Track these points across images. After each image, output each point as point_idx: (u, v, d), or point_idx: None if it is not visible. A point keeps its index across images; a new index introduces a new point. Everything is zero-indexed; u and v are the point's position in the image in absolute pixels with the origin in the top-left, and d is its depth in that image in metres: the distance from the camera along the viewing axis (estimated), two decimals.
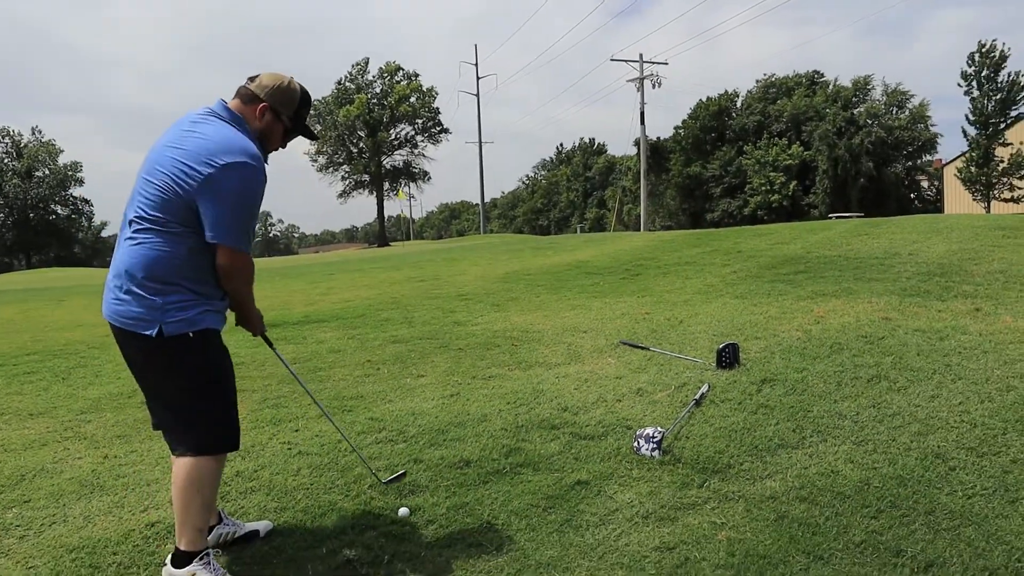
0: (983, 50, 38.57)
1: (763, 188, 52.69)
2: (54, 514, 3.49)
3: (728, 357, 5.40)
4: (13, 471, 4.08)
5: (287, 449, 4.21)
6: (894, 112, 52.16)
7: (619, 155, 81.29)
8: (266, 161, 2.83)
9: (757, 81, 61.13)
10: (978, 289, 7.71)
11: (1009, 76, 38.05)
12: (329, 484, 3.69)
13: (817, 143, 50.39)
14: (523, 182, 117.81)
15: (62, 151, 75.82)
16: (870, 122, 50.68)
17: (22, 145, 74.21)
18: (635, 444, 3.94)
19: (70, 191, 76.48)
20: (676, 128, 61.77)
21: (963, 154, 41.76)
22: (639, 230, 44.75)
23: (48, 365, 7.10)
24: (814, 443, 3.93)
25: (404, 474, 3.70)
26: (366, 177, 66.60)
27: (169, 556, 2.78)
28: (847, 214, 34.66)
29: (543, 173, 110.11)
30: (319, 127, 63.78)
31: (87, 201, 78.60)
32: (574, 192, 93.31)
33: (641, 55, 44.11)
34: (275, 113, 2.84)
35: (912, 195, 53.89)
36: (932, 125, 51.29)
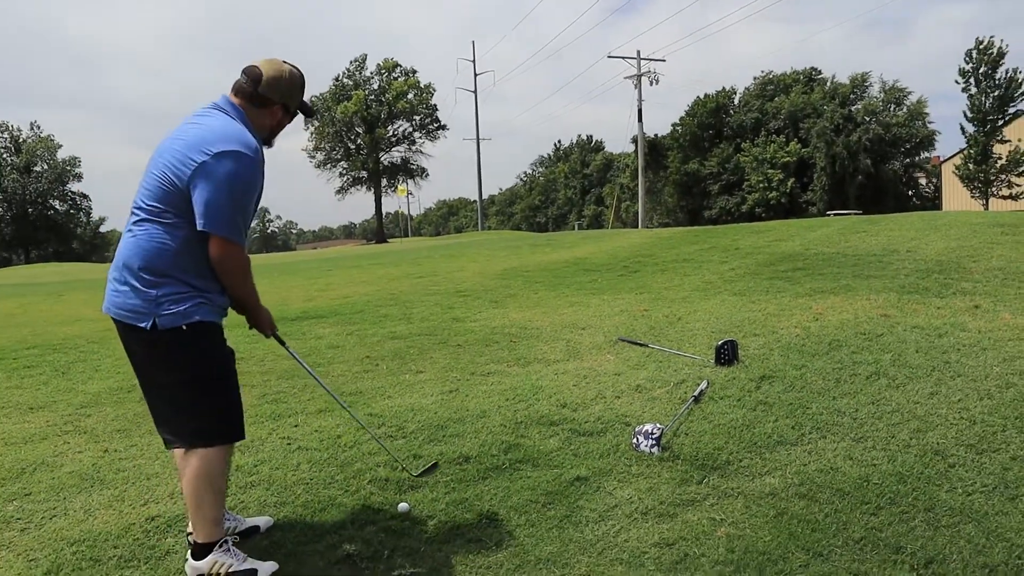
0: (981, 47, 38.63)
1: (761, 185, 52.73)
2: (55, 507, 3.49)
3: (727, 354, 5.41)
4: (13, 464, 4.09)
5: (286, 444, 4.21)
6: (892, 109, 52.23)
7: (617, 152, 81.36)
8: (270, 146, 2.90)
9: (755, 78, 61.22)
10: (977, 286, 7.72)
11: (1007, 73, 38.15)
12: (328, 479, 3.69)
13: (815, 140, 50.43)
14: (521, 179, 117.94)
15: (60, 146, 75.71)
16: (868, 119, 50.74)
17: (21, 140, 74.02)
18: (634, 440, 3.95)
19: (68, 186, 76.34)
20: (674, 125, 61.82)
21: (961, 151, 41.84)
22: (637, 227, 44.78)
23: (48, 359, 7.09)
24: (813, 440, 3.94)
25: (436, 465, 3.70)
26: (364, 173, 66.50)
27: (189, 551, 2.79)
28: (845, 211, 34.72)
29: (541, 170, 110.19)
30: (316, 123, 63.71)
31: (85, 196, 78.47)
32: (572, 189, 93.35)
33: (639, 52, 44.15)
34: (285, 108, 2.89)
35: (910, 192, 53.97)
36: (930, 122, 51.45)
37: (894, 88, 52.31)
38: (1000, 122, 38.85)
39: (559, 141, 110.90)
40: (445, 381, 5.51)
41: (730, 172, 55.95)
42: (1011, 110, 38.75)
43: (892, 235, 11.98)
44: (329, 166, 66.57)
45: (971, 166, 39.75)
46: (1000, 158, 39.17)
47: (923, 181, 55.24)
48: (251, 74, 2.80)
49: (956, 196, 44.66)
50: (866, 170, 48.51)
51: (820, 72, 57.84)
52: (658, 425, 3.99)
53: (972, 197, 40.87)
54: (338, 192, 67.83)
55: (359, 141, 65.50)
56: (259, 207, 2.89)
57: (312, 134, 65.03)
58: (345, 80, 65.68)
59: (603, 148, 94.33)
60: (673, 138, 60.70)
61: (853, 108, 52.16)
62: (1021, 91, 38.06)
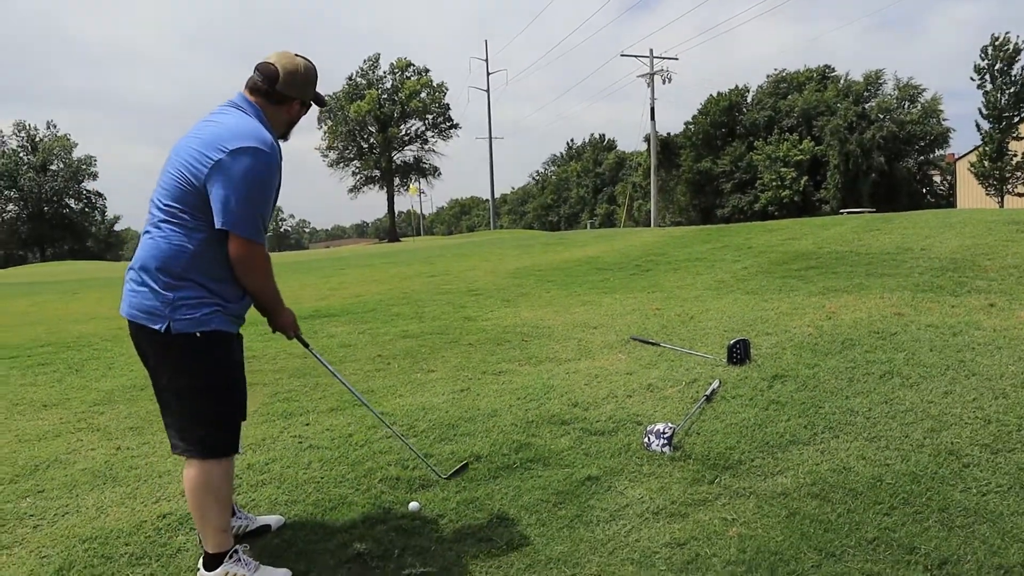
0: (996, 43, 38.28)
1: (774, 183, 52.47)
2: (67, 504, 3.52)
3: (739, 353, 5.38)
4: (27, 461, 4.12)
5: (298, 443, 4.22)
6: (906, 106, 51.83)
7: (629, 151, 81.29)
8: (286, 139, 2.89)
9: (768, 76, 60.89)
10: (992, 284, 7.65)
11: (1023, 69, 37.74)
12: (340, 478, 3.70)
13: (828, 138, 50.13)
14: (533, 178, 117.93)
15: (76, 144, 76.32)
16: (881, 117, 50.38)
17: (37, 139, 74.68)
18: (645, 440, 3.93)
19: (84, 185, 76.97)
20: (686, 123, 61.59)
21: (976, 148, 41.49)
22: (649, 226, 44.66)
23: (62, 357, 7.14)
24: (826, 439, 3.91)
25: (467, 466, 3.68)
26: (376, 172, 66.66)
27: (200, 560, 2.77)
28: (858, 209, 34.48)
29: (553, 169, 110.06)
30: (329, 122, 63.90)
31: (100, 195, 79.13)
32: (584, 188, 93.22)
33: (651, 50, 43.97)
34: (301, 102, 2.88)
35: (924, 190, 53.56)
36: (944, 119, 51.01)
37: (908, 85, 51.93)
38: (1016, 119, 38.50)
39: (571, 140, 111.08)
40: (456, 380, 5.51)
41: (743, 170, 55.69)
42: None
43: (906, 233, 11.88)
44: (342, 165, 66.80)
45: (986, 163, 39.42)
46: (1016, 155, 38.80)
47: (937, 179, 54.82)
48: (266, 72, 2.75)
49: (971, 194, 44.31)
50: (880, 168, 48.18)
51: (834, 70, 57.49)
52: (670, 424, 3.97)
53: (987, 194, 40.52)
54: (351, 191, 68.08)
55: (372, 140, 65.65)
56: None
57: (325, 133, 65.28)
58: (358, 79, 65.83)
59: (615, 147, 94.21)
60: (686, 136, 60.48)
61: (867, 106, 51.79)
62: None
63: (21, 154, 73.45)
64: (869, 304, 7.13)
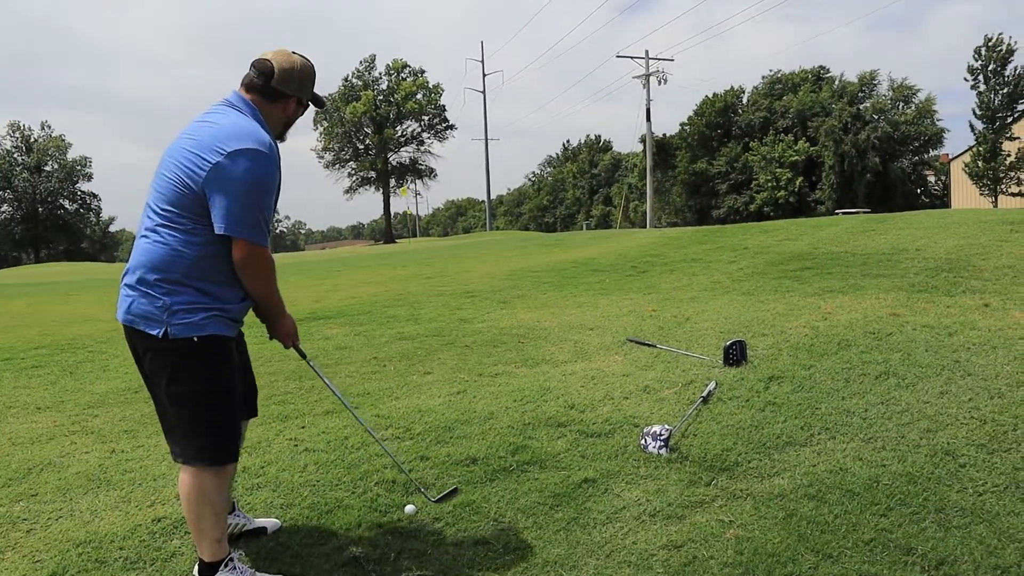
0: (989, 44, 38.37)
1: (769, 184, 52.50)
2: (61, 508, 3.50)
3: (735, 354, 5.38)
4: (20, 464, 4.09)
5: (293, 446, 4.21)
6: (900, 107, 51.90)
7: (625, 152, 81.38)
8: (283, 139, 2.84)
9: (763, 77, 60.89)
10: (986, 284, 7.66)
11: (1016, 70, 37.86)
12: (335, 481, 3.68)
13: (823, 139, 50.19)
14: (529, 179, 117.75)
15: (71, 145, 76.14)
16: (876, 117, 50.44)
17: (32, 140, 74.48)
18: (642, 442, 3.93)
19: (78, 185, 76.80)
20: (682, 125, 61.54)
21: (970, 148, 41.59)
22: (645, 227, 44.70)
23: (56, 359, 7.11)
24: (822, 440, 3.91)
25: (456, 490, 3.47)
26: (372, 174, 66.59)
27: (196, 567, 2.74)
28: (853, 210, 34.54)
29: (549, 170, 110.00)
30: (325, 123, 63.81)
31: (95, 196, 78.93)
32: (580, 189, 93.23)
33: (647, 51, 44.01)
34: (298, 100, 2.83)
35: (919, 190, 53.61)
36: (939, 120, 51.03)
37: (902, 86, 52.01)
38: (1009, 119, 38.59)
39: (567, 141, 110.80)
40: (453, 382, 5.49)
41: (738, 171, 55.71)
42: (1020, 107, 38.46)
43: (901, 233, 11.91)
44: (338, 166, 66.71)
45: (980, 163, 39.51)
46: (1009, 155, 38.90)
47: (932, 179, 54.91)
48: (262, 68, 2.71)
49: (965, 194, 44.41)
50: (874, 168, 48.24)
51: (828, 71, 57.52)
52: (666, 426, 3.97)
53: (981, 195, 40.62)
54: (347, 192, 68.01)
55: (368, 141, 65.58)
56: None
57: (321, 134, 65.19)
58: (354, 80, 65.76)
59: (611, 148, 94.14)
60: (681, 137, 60.47)
61: (861, 106, 51.85)
62: None
63: (15, 155, 73.20)
64: (865, 305, 7.14)
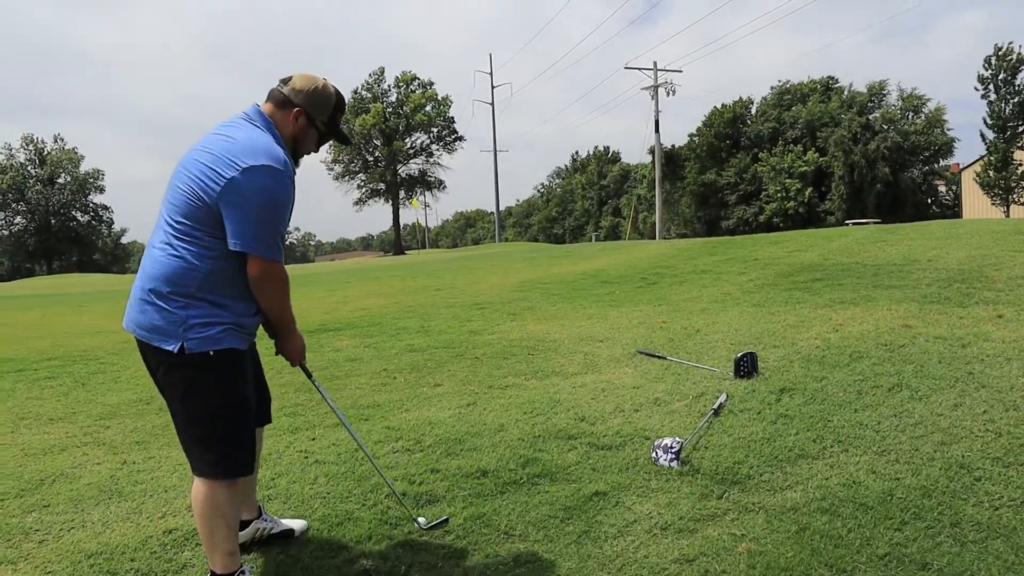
0: (1000, 53, 38.31)
1: (779, 195, 52.43)
2: (73, 519, 3.50)
3: (746, 366, 5.36)
4: (33, 475, 4.11)
5: (304, 458, 4.21)
6: (910, 117, 51.80)
7: (634, 163, 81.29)
8: (298, 165, 2.78)
9: (771, 88, 60.98)
10: (1000, 295, 7.61)
11: None
12: (346, 493, 3.68)
13: (832, 149, 50.12)
14: (538, 190, 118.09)
15: (83, 158, 76.84)
16: (886, 127, 50.36)
17: (45, 153, 75.15)
18: (653, 455, 3.91)
19: (91, 198, 77.40)
20: (691, 136, 61.64)
21: (981, 158, 41.44)
22: (654, 238, 44.65)
23: (68, 370, 7.15)
24: (835, 453, 3.88)
25: (447, 520, 3.34)
26: (382, 186, 66.80)
27: None
28: (864, 220, 34.42)
29: (558, 181, 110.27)
30: None
31: (107, 208, 79.58)
32: (589, 200, 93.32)
33: (655, 63, 44.13)
34: (308, 117, 2.76)
35: (929, 200, 53.43)
36: (949, 129, 50.89)
37: (912, 96, 51.92)
38: (1021, 128, 38.47)
39: (576, 152, 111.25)
40: (463, 394, 5.49)
41: (747, 182, 55.68)
42: None
43: (912, 244, 11.85)
44: (347, 178, 66.88)
45: (991, 173, 39.36)
46: (1021, 165, 38.74)
47: (942, 189, 54.73)
48: (284, 79, 2.76)
49: (976, 204, 44.22)
50: (884, 179, 48.12)
51: (837, 81, 57.55)
52: (677, 439, 3.95)
53: (993, 204, 40.45)
54: (356, 204, 68.16)
55: (377, 153, 65.80)
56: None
57: (330, 146, 65.41)
58: (364, 93, 66.06)
59: (620, 159, 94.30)
60: (690, 148, 60.51)
61: (871, 116, 51.79)
62: None
63: (29, 167, 73.91)
64: (876, 316, 7.10)
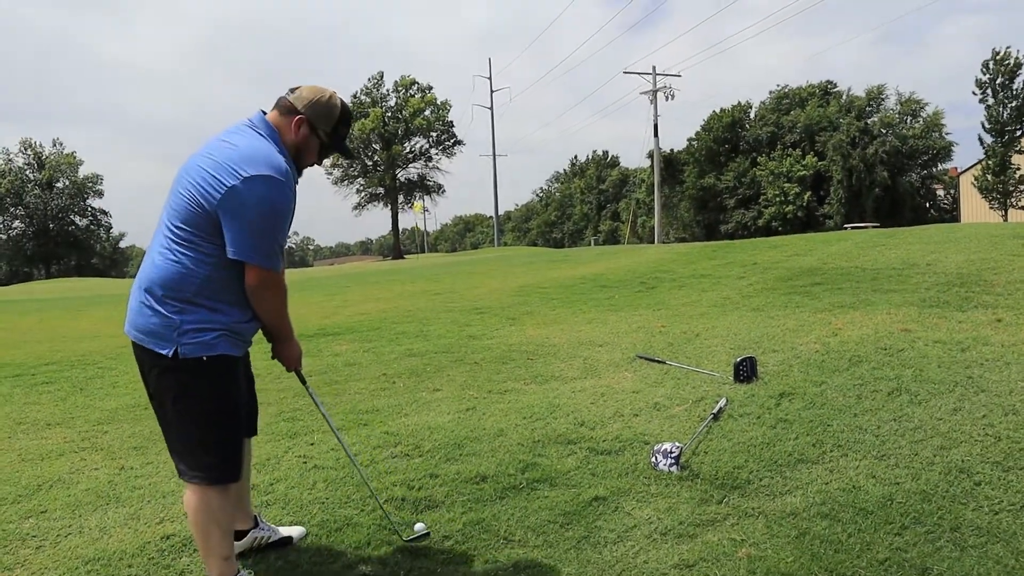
0: (997, 57, 38.42)
1: (777, 199, 52.48)
2: (70, 525, 3.49)
3: (746, 371, 5.35)
4: (30, 481, 4.10)
5: (302, 463, 4.20)
6: (908, 121, 51.92)
7: (633, 167, 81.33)
8: (300, 175, 2.77)
9: (770, 92, 61.03)
10: (998, 299, 7.61)
11: None
12: (345, 498, 3.67)
13: (831, 153, 50.19)
14: (537, 195, 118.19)
15: (82, 162, 76.83)
16: (884, 131, 50.46)
17: (44, 157, 75.17)
18: (653, 459, 3.90)
19: (89, 202, 77.46)
20: (689, 140, 61.74)
21: (979, 162, 41.55)
22: (653, 242, 44.69)
23: (66, 375, 7.14)
24: (835, 458, 3.88)
25: (428, 534, 3.30)
26: (381, 190, 66.83)
27: None
28: (862, 224, 34.47)
29: (557, 186, 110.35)
30: None
31: (105, 212, 79.66)
32: (588, 204, 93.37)
33: (654, 67, 44.21)
34: (311, 127, 2.74)
35: (928, 204, 53.53)
36: (947, 133, 51.08)
37: (910, 100, 52.04)
38: (1018, 133, 38.56)
39: (575, 157, 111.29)
40: (462, 399, 5.48)
41: (746, 186, 55.74)
42: None
43: (911, 248, 11.86)
44: (346, 183, 66.91)
45: (990, 177, 39.45)
46: (1019, 169, 38.82)
47: (941, 193, 54.81)
48: (292, 88, 2.76)
49: (974, 208, 44.28)
50: (883, 183, 48.19)
51: (836, 85, 57.67)
52: (677, 444, 3.94)
53: (991, 208, 40.51)
54: (355, 208, 68.20)
55: (376, 158, 65.85)
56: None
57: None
58: (363, 97, 66.11)
59: (619, 163, 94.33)
60: (689, 153, 60.59)
61: (869, 121, 51.91)
62: None
63: (27, 171, 73.93)
64: (875, 320, 7.10)
